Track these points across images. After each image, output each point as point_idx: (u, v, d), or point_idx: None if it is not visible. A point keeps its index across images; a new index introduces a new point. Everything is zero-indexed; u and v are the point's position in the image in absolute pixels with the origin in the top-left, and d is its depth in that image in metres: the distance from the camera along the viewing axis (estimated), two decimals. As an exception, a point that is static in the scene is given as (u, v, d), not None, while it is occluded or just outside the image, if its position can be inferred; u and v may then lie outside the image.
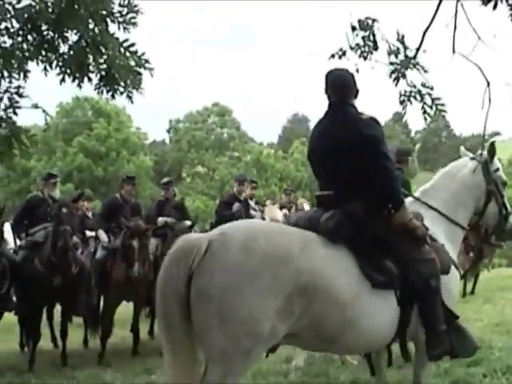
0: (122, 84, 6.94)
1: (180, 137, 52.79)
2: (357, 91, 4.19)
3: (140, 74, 7.00)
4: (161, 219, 9.38)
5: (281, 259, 3.51)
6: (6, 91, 6.62)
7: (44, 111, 6.54)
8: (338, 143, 3.98)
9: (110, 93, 6.93)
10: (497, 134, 55.15)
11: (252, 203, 10.19)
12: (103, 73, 6.96)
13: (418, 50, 6.03)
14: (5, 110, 6.53)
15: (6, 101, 6.60)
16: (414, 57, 5.95)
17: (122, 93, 7.00)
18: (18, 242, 8.86)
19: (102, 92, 6.93)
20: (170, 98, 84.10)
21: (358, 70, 5.95)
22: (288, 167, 45.13)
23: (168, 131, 55.59)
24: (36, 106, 6.47)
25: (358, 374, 6.07)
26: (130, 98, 6.96)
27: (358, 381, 6.00)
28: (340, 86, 4.12)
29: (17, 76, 6.87)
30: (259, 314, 3.41)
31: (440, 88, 6.39)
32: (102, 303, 8.75)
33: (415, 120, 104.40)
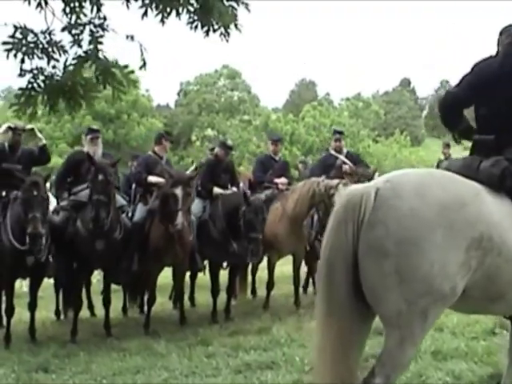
0: (217, 20, 6.04)
1: (190, 100, 51.65)
2: None
3: (235, 8, 6.13)
4: None
5: (456, 206, 3.17)
6: (89, 23, 5.66)
7: (141, 45, 5.60)
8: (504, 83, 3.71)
9: (205, 28, 6.02)
10: None
11: (342, 157, 9.31)
12: (193, 8, 6.05)
13: None
14: (89, 43, 5.58)
15: (87, 35, 5.67)
16: None
17: (215, 30, 6.11)
18: (61, 203, 8.09)
19: (196, 27, 6.02)
20: (175, 61, 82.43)
21: None
22: (298, 131, 44.52)
23: (178, 94, 54.50)
24: (132, 38, 5.53)
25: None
26: (226, 35, 6.07)
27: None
28: None
29: (89, 7, 5.89)
30: (439, 270, 3.06)
31: None
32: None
33: (423, 86, 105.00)
